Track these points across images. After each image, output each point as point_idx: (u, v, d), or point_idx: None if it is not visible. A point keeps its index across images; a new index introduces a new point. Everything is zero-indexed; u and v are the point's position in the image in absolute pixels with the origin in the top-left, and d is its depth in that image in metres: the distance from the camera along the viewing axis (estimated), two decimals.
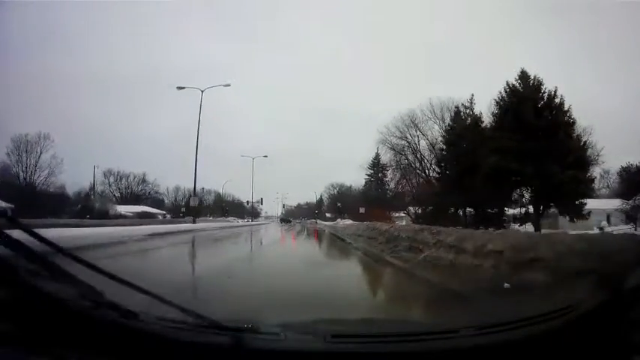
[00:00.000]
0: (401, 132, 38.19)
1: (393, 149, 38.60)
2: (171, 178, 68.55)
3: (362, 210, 35.93)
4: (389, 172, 48.15)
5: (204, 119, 37.67)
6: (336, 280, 5.91)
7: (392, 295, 5.25)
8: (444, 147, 30.46)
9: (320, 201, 79.36)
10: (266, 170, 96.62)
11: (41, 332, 1.15)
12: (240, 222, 49.69)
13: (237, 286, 5.24)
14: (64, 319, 1.18)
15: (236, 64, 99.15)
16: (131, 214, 38.02)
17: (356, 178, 67.03)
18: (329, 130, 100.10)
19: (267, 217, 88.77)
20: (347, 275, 6.95)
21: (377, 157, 54.32)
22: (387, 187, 52.44)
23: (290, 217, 79.41)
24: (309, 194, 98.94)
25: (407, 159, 38.79)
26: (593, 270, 2.88)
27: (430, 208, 32.29)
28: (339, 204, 56.56)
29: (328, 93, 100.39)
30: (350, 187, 57.89)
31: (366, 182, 55.26)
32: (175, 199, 64.90)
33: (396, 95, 78.92)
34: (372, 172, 55.18)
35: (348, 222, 37.11)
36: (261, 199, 52.05)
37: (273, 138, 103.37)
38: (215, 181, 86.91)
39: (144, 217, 34.62)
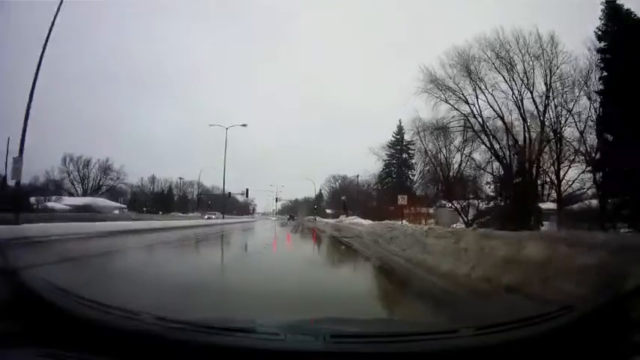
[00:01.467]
0: (453, 80, 26.37)
1: (447, 102, 26.63)
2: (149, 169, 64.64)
3: (402, 200, 25.15)
4: (416, 150, 40.73)
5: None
6: None
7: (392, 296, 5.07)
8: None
9: (319, 196, 77.15)
10: (261, 163, 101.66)
11: (43, 333, 1.30)
12: (214, 219, 44.64)
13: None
14: (65, 320, 1.33)
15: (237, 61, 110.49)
16: (68, 208, 33.87)
17: (365, 165, 61.80)
18: (329, 124, 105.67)
19: (264, 214, 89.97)
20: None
21: (400, 131, 48.17)
22: (414, 172, 46.90)
23: (286, 213, 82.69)
24: (307, 188, 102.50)
25: (470, 124, 26.62)
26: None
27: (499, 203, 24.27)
28: (344, 198, 51.19)
29: (328, 87, 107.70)
30: (357, 177, 52.44)
31: (385, 165, 48.66)
32: (152, 190, 64.22)
33: (397, 93, 78.38)
34: (393, 152, 49.32)
35: (362, 221, 32.36)
36: (247, 189, 47.95)
37: (272, 130, 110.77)
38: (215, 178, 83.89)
39: (87, 211, 32.71)
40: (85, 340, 1.26)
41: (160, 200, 52.97)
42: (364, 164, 65.00)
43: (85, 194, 51.57)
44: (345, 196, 54.84)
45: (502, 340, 1.29)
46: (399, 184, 45.55)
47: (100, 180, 55.12)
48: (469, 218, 25.20)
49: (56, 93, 65.79)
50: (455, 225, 25.63)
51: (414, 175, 46.56)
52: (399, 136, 48.58)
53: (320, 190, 75.19)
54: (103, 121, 74.76)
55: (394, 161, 49.28)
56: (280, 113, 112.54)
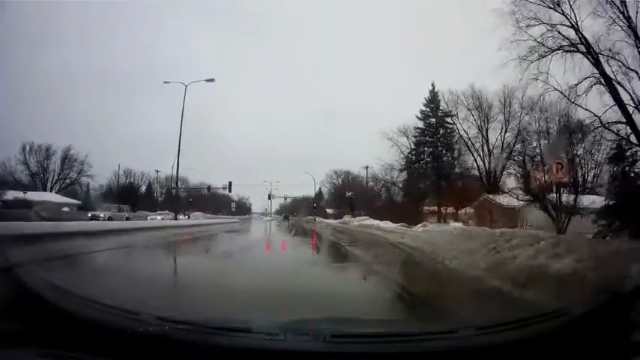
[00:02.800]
0: None
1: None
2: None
3: (560, 170, 12.53)
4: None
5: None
6: None
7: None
8: None
9: (319, 194, 69.43)
10: (259, 159, 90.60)
11: (44, 333, 1.32)
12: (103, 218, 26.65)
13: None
14: (66, 320, 1.35)
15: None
16: None
17: (372, 160, 53.12)
18: (330, 117, 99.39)
19: (262, 214, 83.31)
20: None
21: (434, 98, 36.91)
22: (455, 155, 36.01)
23: (284, 212, 77.58)
24: (306, 186, 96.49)
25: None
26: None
27: None
28: (350, 194, 42.47)
29: (329, 78, 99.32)
30: (367, 169, 44.11)
31: (415, 144, 38.04)
32: (125, 183, 55.15)
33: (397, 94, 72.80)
34: (424, 126, 37.77)
35: (379, 223, 25.68)
36: (229, 182, 39.26)
37: (270, 126, 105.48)
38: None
39: (25, 208, 23.80)
40: (86, 340, 1.29)
41: (128, 196, 43.79)
42: (375, 155, 56.39)
43: (45, 188, 45.01)
44: (352, 192, 45.87)
45: (502, 340, 1.31)
46: (437, 169, 35.51)
47: (60, 172, 49.45)
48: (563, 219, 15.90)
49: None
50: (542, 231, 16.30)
51: (456, 158, 36.34)
52: (432, 105, 37.49)
53: (320, 187, 68.09)
54: (90, 111, 69.07)
55: (427, 138, 37.52)
56: (279, 108, 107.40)
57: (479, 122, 33.29)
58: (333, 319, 2.10)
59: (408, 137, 39.56)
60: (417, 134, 37.57)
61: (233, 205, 67.14)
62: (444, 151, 36.45)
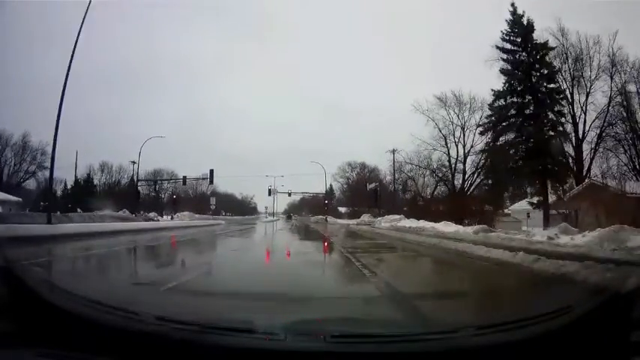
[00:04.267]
0: None
1: None
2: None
3: None
4: None
5: None
6: None
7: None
8: None
9: (330, 192, 62.61)
10: (264, 158, 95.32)
11: (43, 333, 1.32)
12: None
13: None
14: (66, 320, 1.35)
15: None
16: None
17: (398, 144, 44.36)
18: (336, 112, 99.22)
19: (269, 213, 77.43)
20: None
21: (517, 21, 23.83)
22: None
23: (292, 211, 77.48)
24: (317, 185, 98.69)
25: None
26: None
27: None
28: (374, 185, 34.30)
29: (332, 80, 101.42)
30: (393, 152, 35.23)
31: (498, 94, 24.64)
32: (80, 179, 50.00)
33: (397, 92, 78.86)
34: (510, 66, 24.54)
35: (438, 228, 16.83)
36: (211, 171, 31.36)
37: (273, 124, 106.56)
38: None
39: None
40: (86, 340, 1.29)
41: (87, 194, 35.40)
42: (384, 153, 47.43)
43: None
44: (377, 184, 36.90)
45: (502, 340, 1.31)
46: (541, 133, 22.45)
47: (16, 164, 45.01)
48: None
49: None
50: None
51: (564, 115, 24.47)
52: (520, 31, 24.13)
53: (330, 184, 59.52)
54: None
55: (516, 78, 23.70)
56: (286, 104, 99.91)
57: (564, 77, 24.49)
58: (334, 319, 2.18)
59: (448, 108, 30.96)
60: (505, 69, 24.12)
61: (212, 200, 52.11)
62: (545, 99, 22.71)
